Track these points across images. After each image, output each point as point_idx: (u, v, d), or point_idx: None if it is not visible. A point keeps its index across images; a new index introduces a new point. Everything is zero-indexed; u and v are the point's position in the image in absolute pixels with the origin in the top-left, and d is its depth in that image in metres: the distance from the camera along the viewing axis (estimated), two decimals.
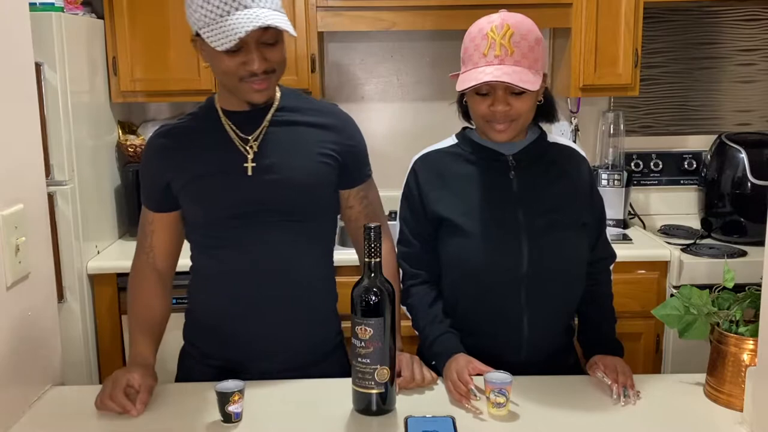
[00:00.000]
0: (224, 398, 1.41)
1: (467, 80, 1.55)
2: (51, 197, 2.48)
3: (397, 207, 1.77)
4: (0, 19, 1.48)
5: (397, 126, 3.32)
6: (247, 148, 1.60)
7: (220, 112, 1.64)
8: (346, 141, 1.69)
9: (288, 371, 1.64)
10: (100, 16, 2.88)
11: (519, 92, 1.55)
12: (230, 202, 1.60)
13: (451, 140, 1.74)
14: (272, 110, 1.64)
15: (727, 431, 1.40)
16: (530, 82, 1.52)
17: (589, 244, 1.71)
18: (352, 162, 1.69)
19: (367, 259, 1.43)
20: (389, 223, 1.78)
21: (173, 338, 1.77)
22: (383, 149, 3.29)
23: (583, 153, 1.75)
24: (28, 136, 1.59)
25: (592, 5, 2.86)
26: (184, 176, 1.62)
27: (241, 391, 1.42)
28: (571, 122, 3.25)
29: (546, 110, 1.69)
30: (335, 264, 1.76)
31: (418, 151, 1.75)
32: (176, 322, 1.75)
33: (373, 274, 1.43)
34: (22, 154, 1.55)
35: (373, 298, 1.41)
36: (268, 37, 1.51)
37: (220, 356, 1.68)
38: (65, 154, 2.55)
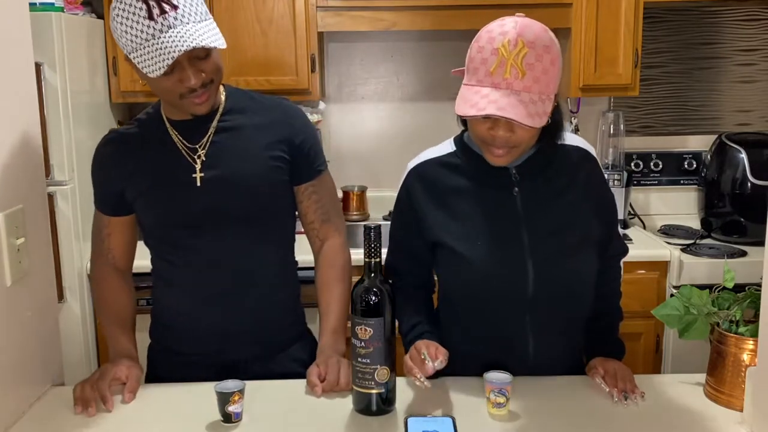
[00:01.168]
0: (224, 398, 1.41)
1: (468, 102, 1.39)
2: (51, 197, 2.48)
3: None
4: (0, 19, 1.48)
5: (397, 126, 3.31)
6: (195, 158, 1.61)
7: (166, 122, 1.64)
8: (294, 138, 1.66)
9: (254, 360, 1.68)
10: (100, 16, 2.88)
11: None
12: (182, 213, 1.62)
13: (449, 146, 1.62)
14: (217, 116, 1.63)
15: (727, 431, 1.40)
16: (537, 115, 1.37)
17: (602, 245, 1.63)
18: (301, 159, 1.68)
19: (367, 259, 1.43)
20: (385, 223, 1.77)
21: (138, 339, 1.79)
22: (382, 149, 3.30)
23: (592, 152, 1.63)
24: (28, 136, 1.59)
25: (592, 5, 2.86)
26: (136, 187, 1.64)
27: (241, 391, 1.42)
28: (571, 122, 3.25)
29: (552, 130, 1.53)
30: None
31: (417, 152, 1.68)
32: (139, 323, 1.78)
33: (373, 274, 1.43)
34: (22, 154, 1.55)
35: (373, 298, 1.41)
36: (199, 52, 1.48)
37: (186, 351, 1.70)
38: (65, 154, 2.55)
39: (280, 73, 2.88)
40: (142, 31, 1.43)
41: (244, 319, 1.67)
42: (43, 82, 2.46)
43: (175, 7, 1.44)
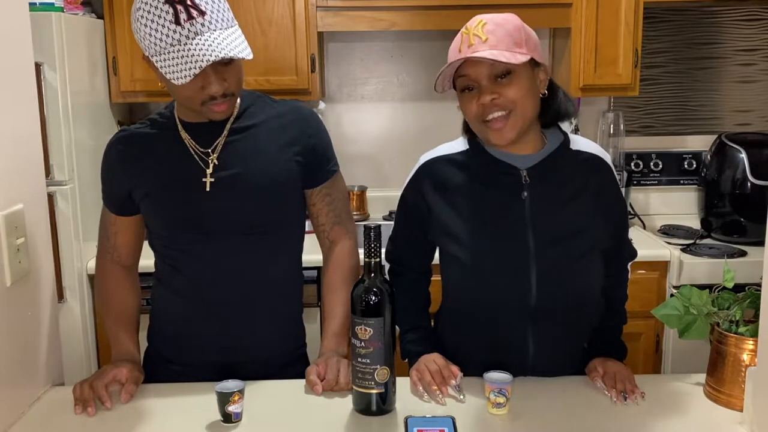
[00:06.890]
0: (224, 398, 1.41)
1: (444, 74, 1.49)
2: (51, 197, 2.48)
3: (396, 207, 1.72)
4: (0, 19, 1.48)
5: (397, 126, 3.31)
6: (208, 161, 1.58)
7: (179, 124, 1.61)
8: (307, 140, 1.64)
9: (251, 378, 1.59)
10: (100, 16, 2.88)
11: (504, 75, 1.44)
12: (190, 218, 1.59)
13: (462, 144, 1.61)
14: (231, 119, 1.60)
15: (727, 431, 1.40)
16: (504, 56, 1.40)
17: (611, 251, 1.61)
18: (316, 161, 1.66)
19: (367, 259, 1.43)
20: (385, 223, 1.76)
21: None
22: (382, 149, 3.30)
23: (607, 159, 1.61)
24: (28, 136, 1.59)
25: (592, 5, 2.86)
26: (144, 188, 1.61)
27: (241, 391, 1.42)
28: (571, 122, 3.25)
29: (555, 106, 1.54)
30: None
31: (417, 152, 1.67)
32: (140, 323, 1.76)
33: (373, 274, 1.43)
34: (22, 154, 1.55)
35: (373, 298, 1.41)
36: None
37: (181, 362, 1.68)
38: (65, 154, 2.55)
39: (280, 73, 2.87)
40: (167, 36, 1.40)
41: (242, 336, 1.64)
42: (43, 82, 2.45)
43: (202, 13, 1.41)
